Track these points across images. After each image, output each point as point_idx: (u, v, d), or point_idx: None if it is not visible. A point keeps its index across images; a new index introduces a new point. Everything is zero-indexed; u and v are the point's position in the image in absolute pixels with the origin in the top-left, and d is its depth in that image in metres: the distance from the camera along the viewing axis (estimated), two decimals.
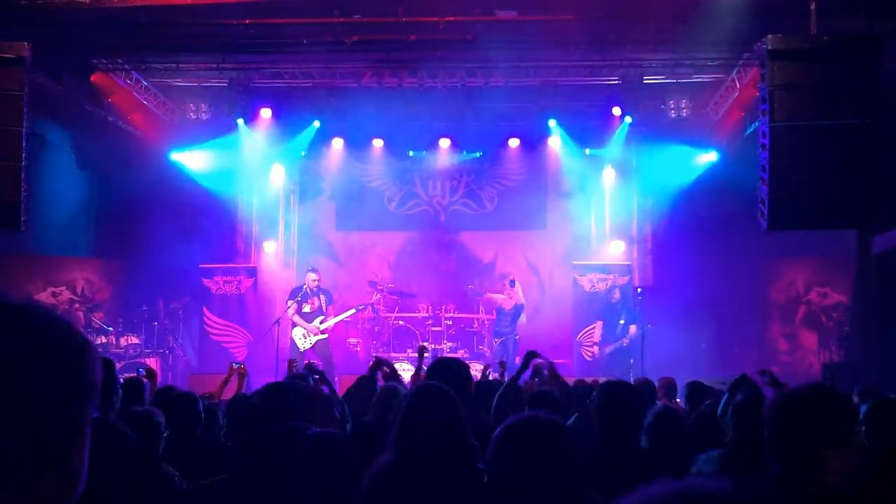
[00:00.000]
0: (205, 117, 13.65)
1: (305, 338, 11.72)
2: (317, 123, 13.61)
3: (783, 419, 2.34)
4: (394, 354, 12.10)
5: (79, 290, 13.16)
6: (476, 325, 13.13)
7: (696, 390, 6.24)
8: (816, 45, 8.57)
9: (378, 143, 14.04)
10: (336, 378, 10.40)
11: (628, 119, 13.08)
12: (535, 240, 14.31)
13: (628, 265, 13.28)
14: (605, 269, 12.99)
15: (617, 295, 12.39)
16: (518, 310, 12.26)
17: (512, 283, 12.37)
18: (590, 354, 12.43)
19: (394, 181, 14.48)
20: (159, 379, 8.00)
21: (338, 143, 14.07)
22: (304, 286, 11.80)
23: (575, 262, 13.26)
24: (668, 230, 13.34)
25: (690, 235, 12.85)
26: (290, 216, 14.62)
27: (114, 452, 3.02)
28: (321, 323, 11.76)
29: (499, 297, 12.42)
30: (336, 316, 12.06)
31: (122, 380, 5.15)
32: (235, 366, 6.64)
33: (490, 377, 7.62)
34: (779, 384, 5.19)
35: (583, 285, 12.85)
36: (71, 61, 11.26)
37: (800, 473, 2.25)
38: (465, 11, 9.67)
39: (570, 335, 12.56)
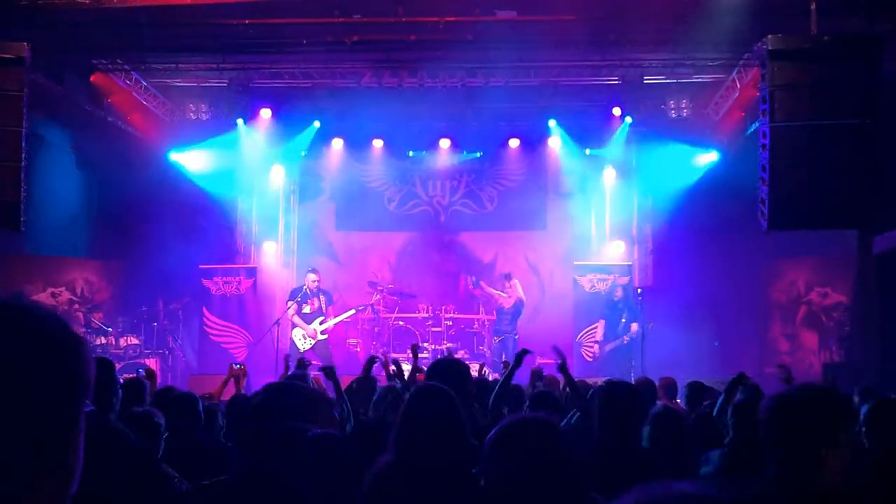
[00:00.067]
0: (204, 117, 13.65)
1: (305, 339, 11.72)
2: (317, 123, 13.61)
3: (781, 419, 2.33)
4: (394, 355, 12.08)
5: (78, 290, 13.16)
6: (476, 325, 13.13)
7: (697, 390, 6.25)
8: (816, 46, 8.58)
9: (378, 144, 14.05)
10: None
11: (628, 119, 13.09)
12: (536, 240, 14.31)
13: (629, 265, 13.29)
14: (605, 269, 13.01)
15: (619, 293, 12.42)
16: (518, 308, 12.27)
17: (508, 276, 12.39)
18: (590, 354, 12.44)
19: (394, 181, 14.48)
20: (159, 380, 8.00)
21: (338, 144, 14.07)
22: (304, 287, 11.80)
23: (575, 263, 13.28)
24: (669, 230, 13.34)
25: (691, 236, 12.85)
26: (290, 216, 14.62)
27: (114, 453, 3.02)
28: (321, 324, 11.76)
29: (498, 294, 12.43)
30: (336, 317, 12.05)
31: (121, 380, 5.15)
32: (235, 366, 6.63)
33: (490, 377, 7.63)
34: (793, 382, 5.20)
35: (583, 286, 12.86)
36: (71, 61, 11.27)
37: (799, 473, 2.25)
38: (466, 11, 9.67)
39: (571, 335, 12.56)
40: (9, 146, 8.58)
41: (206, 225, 13.26)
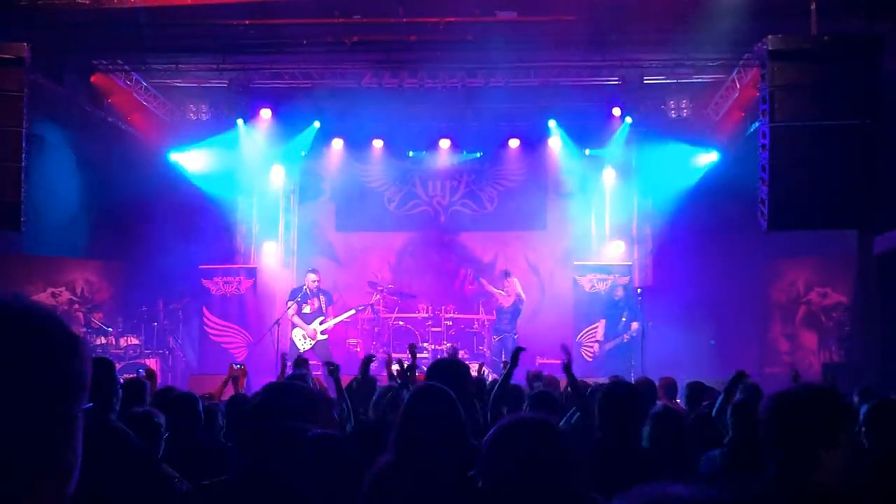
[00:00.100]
0: (205, 118, 13.65)
1: (305, 339, 11.73)
2: (317, 124, 13.61)
3: (781, 419, 2.34)
4: (394, 355, 12.08)
5: (78, 290, 13.16)
6: (476, 325, 13.13)
7: (697, 390, 6.25)
8: (817, 46, 8.58)
9: (378, 144, 14.05)
10: None
11: (628, 119, 13.09)
12: (536, 240, 14.32)
13: (629, 265, 13.30)
14: (605, 269, 13.01)
15: (620, 293, 12.44)
16: (517, 306, 12.28)
17: (506, 273, 12.39)
18: (590, 354, 12.45)
19: (394, 181, 14.48)
20: (159, 380, 8.01)
21: (338, 144, 14.07)
22: (304, 287, 11.80)
23: (575, 263, 13.28)
24: (669, 230, 13.34)
25: (691, 236, 12.85)
26: (290, 216, 14.61)
27: (114, 453, 3.02)
28: (321, 324, 11.76)
29: (497, 292, 12.44)
30: (336, 317, 12.05)
31: (122, 380, 5.15)
32: (235, 366, 6.64)
33: (489, 377, 7.62)
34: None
35: (583, 286, 12.87)
36: (71, 62, 11.27)
37: (798, 473, 2.25)
38: (466, 12, 9.67)
39: (571, 335, 12.56)
40: (9, 146, 8.58)
41: (206, 225, 13.26)
